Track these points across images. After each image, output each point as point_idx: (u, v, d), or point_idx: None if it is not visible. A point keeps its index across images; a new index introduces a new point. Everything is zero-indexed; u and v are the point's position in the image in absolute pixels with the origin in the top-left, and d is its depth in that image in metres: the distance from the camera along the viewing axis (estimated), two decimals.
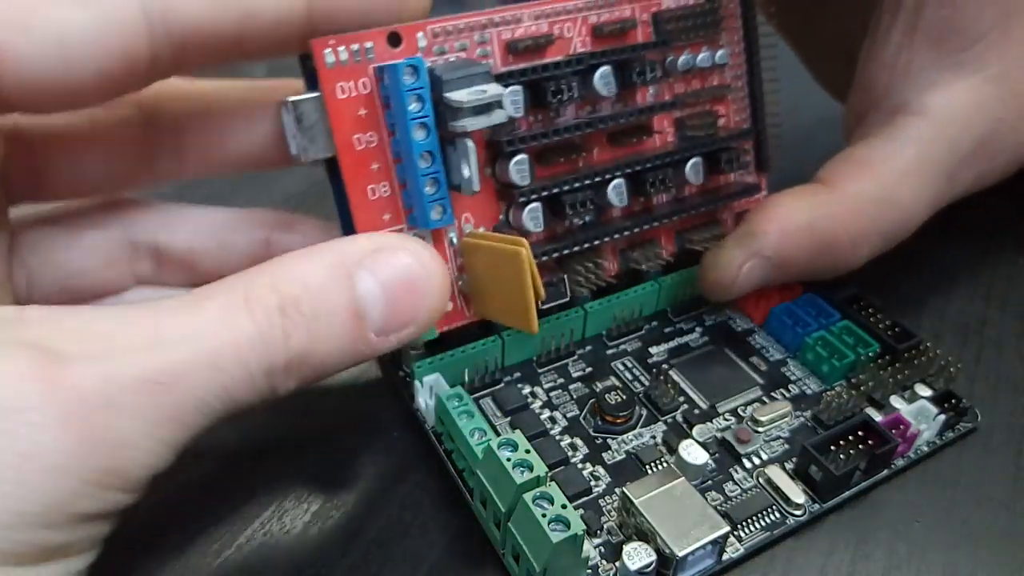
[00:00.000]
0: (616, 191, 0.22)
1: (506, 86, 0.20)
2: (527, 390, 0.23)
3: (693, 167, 0.24)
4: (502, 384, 0.24)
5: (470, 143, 0.19)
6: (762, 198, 0.26)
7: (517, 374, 0.24)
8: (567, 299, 0.22)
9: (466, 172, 0.19)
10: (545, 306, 0.22)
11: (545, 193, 0.21)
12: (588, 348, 0.25)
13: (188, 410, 0.15)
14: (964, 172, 0.24)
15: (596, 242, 0.23)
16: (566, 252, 0.22)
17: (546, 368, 0.24)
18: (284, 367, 0.16)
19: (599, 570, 0.19)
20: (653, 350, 0.25)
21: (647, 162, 0.23)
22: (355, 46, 0.18)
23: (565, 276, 0.22)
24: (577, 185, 0.22)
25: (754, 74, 0.25)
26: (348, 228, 0.20)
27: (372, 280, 0.17)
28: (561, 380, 0.24)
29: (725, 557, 0.19)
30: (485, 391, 0.23)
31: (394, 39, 0.19)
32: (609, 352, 0.25)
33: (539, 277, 0.19)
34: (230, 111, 0.22)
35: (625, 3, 0.22)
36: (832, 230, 0.23)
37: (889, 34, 0.24)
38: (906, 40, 0.24)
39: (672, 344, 0.25)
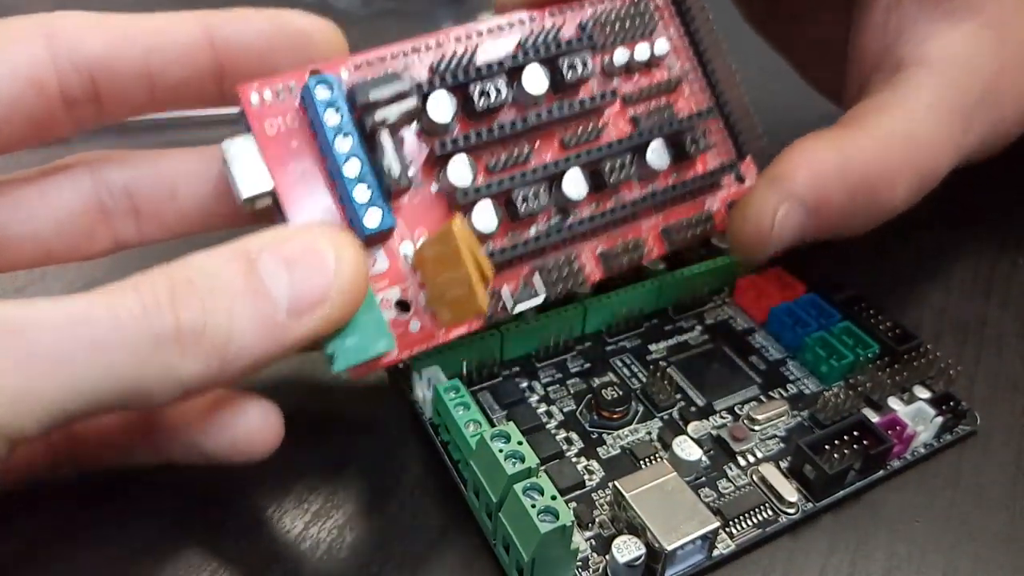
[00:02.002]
0: (572, 182, 0.21)
1: (428, 93, 0.20)
2: (525, 384, 0.24)
3: (655, 152, 0.22)
4: (500, 378, 0.24)
5: (386, 136, 0.19)
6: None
7: (516, 368, 0.24)
8: (542, 295, 0.21)
9: (386, 163, 0.19)
10: (518, 307, 0.21)
11: (492, 190, 0.20)
12: (588, 344, 0.25)
13: (44, 363, 0.14)
14: (977, 119, 0.24)
15: (558, 235, 0.21)
16: (531, 250, 0.21)
17: (545, 363, 0.24)
18: (176, 339, 0.15)
19: (589, 562, 0.19)
20: (652, 347, 0.25)
21: (600, 150, 0.22)
22: (279, 86, 0.19)
23: (536, 272, 0.21)
24: (526, 178, 0.21)
25: (704, 59, 0.24)
26: None
27: (273, 259, 0.17)
28: (559, 375, 0.24)
29: (716, 553, 0.19)
30: (483, 384, 0.24)
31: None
32: (608, 349, 0.25)
33: (483, 255, 0.18)
34: (177, 165, 0.21)
35: (548, 18, 0.22)
36: (865, 169, 0.22)
37: (875, 1, 0.24)
38: (894, 2, 0.24)
39: (672, 342, 0.26)
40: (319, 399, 0.24)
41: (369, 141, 0.19)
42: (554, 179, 0.21)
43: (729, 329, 0.26)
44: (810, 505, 0.21)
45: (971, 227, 0.32)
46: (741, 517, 0.20)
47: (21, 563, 0.19)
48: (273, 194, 0.19)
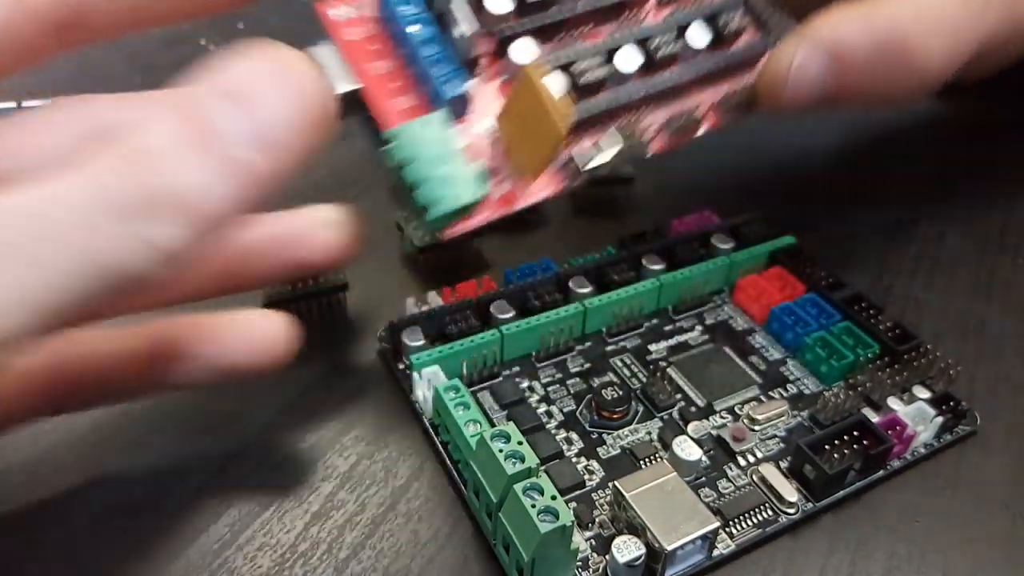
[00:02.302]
0: (625, 57, 0.22)
1: None
2: (525, 384, 0.24)
3: (694, 31, 0.23)
4: (500, 378, 0.24)
5: (457, 4, 0.20)
6: None
7: (516, 368, 0.24)
8: (614, 147, 0.22)
9: (458, 31, 0.20)
10: (591, 163, 0.22)
11: (553, 64, 0.21)
12: (587, 344, 0.25)
13: (10, 264, 0.13)
14: (992, 4, 0.24)
15: (619, 103, 0.22)
16: (594, 115, 0.22)
17: (545, 363, 0.24)
18: (140, 207, 0.14)
19: (589, 562, 0.19)
20: (652, 347, 0.25)
21: (645, 30, 0.23)
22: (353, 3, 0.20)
23: (607, 129, 0.23)
24: (583, 54, 0.22)
25: None
26: None
27: (218, 96, 0.15)
28: (559, 375, 0.24)
29: (716, 553, 0.19)
30: (483, 384, 0.24)
31: None
32: (608, 349, 0.25)
33: (558, 97, 0.19)
34: None
35: None
36: (893, 24, 0.22)
37: None
38: None
39: (672, 342, 0.26)
40: (318, 398, 0.24)
41: (440, 24, 0.20)
42: (609, 55, 0.22)
43: (729, 329, 0.26)
44: (810, 505, 0.21)
45: (971, 227, 0.32)
46: (741, 517, 0.20)
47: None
48: (358, 93, 0.20)
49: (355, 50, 0.20)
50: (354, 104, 0.20)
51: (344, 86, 0.20)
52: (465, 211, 0.20)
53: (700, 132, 0.24)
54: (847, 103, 0.24)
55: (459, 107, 0.20)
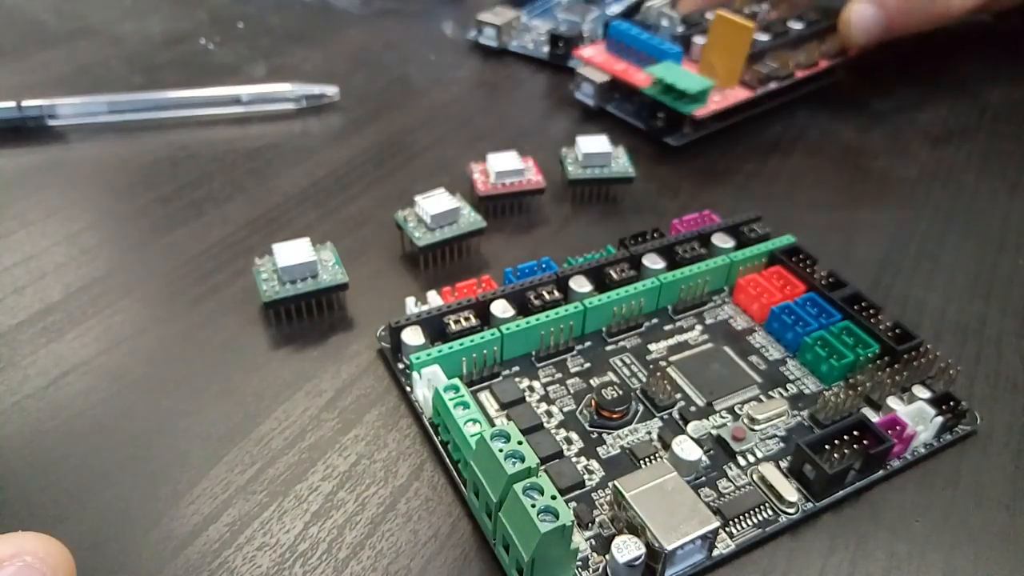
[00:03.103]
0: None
1: None
2: (525, 384, 0.24)
3: None
4: (500, 378, 0.24)
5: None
6: None
7: (516, 368, 0.24)
8: None
9: (669, 28, 0.39)
10: None
11: None
12: (587, 344, 0.25)
13: None
14: None
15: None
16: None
17: (545, 363, 0.24)
18: None
19: (589, 562, 0.19)
20: (652, 347, 0.25)
21: None
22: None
23: None
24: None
25: None
26: None
27: None
28: (559, 375, 0.24)
29: (716, 553, 0.19)
30: (483, 384, 0.24)
31: None
32: (608, 348, 0.25)
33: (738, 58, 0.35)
34: None
35: None
36: None
37: None
38: None
39: (672, 341, 0.26)
40: (318, 398, 0.24)
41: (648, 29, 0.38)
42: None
43: (729, 329, 0.26)
44: (810, 505, 0.21)
45: (971, 227, 0.32)
46: (741, 517, 0.20)
47: None
48: (612, 80, 0.37)
49: (600, 63, 0.37)
50: (611, 90, 0.37)
51: (604, 78, 0.37)
52: (703, 98, 0.34)
53: None
54: (894, 36, 0.38)
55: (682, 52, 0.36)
